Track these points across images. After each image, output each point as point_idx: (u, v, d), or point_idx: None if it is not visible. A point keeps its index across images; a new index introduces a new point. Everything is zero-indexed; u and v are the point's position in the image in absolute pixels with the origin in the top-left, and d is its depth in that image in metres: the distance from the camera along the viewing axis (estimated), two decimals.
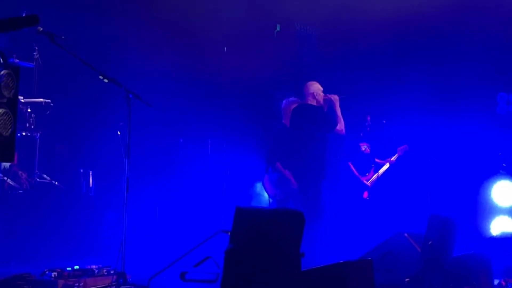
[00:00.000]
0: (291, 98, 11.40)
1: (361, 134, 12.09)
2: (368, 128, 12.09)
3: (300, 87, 12.68)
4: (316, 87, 10.73)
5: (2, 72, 4.64)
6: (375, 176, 11.97)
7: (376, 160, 12.13)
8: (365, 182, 11.91)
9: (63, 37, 7.44)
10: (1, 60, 4.93)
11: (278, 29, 13.93)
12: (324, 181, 10.41)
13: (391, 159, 12.09)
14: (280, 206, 10.80)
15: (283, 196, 10.97)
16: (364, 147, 12.03)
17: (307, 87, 10.78)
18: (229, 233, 5.32)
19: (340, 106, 10.63)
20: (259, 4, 12.97)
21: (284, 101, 11.38)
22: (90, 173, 11.46)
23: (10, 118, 4.72)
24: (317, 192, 10.32)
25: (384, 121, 12.10)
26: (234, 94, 13.14)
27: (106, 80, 7.50)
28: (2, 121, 4.65)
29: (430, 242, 7.30)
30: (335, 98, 10.62)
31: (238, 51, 13.00)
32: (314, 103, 10.65)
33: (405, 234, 8.25)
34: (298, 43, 13.95)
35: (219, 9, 12.52)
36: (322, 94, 10.71)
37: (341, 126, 10.51)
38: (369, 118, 12.11)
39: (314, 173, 10.36)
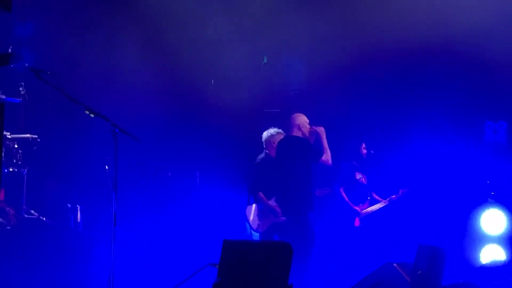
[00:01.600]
0: (272, 129, 11.44)
1: (354, 163, 12.09)
2: (364, 157, 12.10)
3: (287, 118, 12.73)
4: (302, 119, 10.78)
5: None
6: (369, 209, 11.95)
7: (374, 195, 12.11)
8: (356, 209, 11.88)
9: (49, 72, 7.46)
10: None
11: (265, 60, 13.97)
12: (310, 211, 10.41)
13: (390, 198, 12.03)
14: (263, 237, 10.79)
15: (265, 227, 10.97)
16: (359, 176, 12.03)
17: (293, 119, 10.82)
18: (217, 266, 5.31)
19: (327, 137, 10.67)
20: (246, 36, 13.02)
21: (265, 132, 11.42)
22: (78, 208, 11.42)
23: None
24: (304, 223, 10.31)
25: (372, 151, 12.13)
26: (222, 126, 13.16)
27: (92, 115, 7.52)
28: None
29: (419, 272, 7.30)
30: (321, 130, 10.67)
31: (225, 83, 13.04)
32: (299, 134, 10.68)
33: (394, 264, 8.25)
34: (285, 74, 13.99)
35: (206, 41, 12.56)
36: (308, 126, 10.76)
37: (327, 157, 10.55)
38: (364, 146, 12.13)
39: (301, 204, 10.36)
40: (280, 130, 11.48)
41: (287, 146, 10.65)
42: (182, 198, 12.73)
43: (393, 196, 12.07)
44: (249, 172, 11.50)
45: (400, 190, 12.09)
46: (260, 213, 11.04)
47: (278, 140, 11.16)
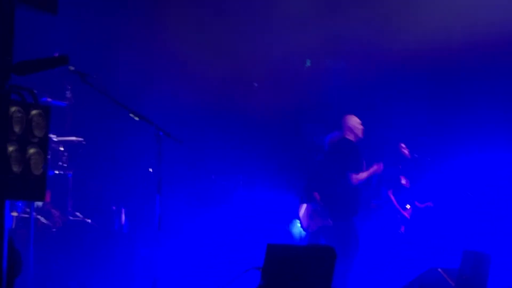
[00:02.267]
0: (336, 133, 11.38)
1: (400, 167, 12.00)
2: (407, 160, 11.97)
3: (332, 120, 12.69)
4: (354, 121, 10.74)
5: (33, 112, 4.67)
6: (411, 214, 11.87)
7: (416, 203, 12.01)
8: (405, 214, 11.81)
9: (94, 76, 7.53)
10: (33, 99, 4.97)
11: (308, 63, 13.96)
12: (355, 217, 10.37)
13: (429, 204, 11.95)
14: (312, 239, 10.75)
15: (315, 228, 10.94)
16: (404, 180, 11.94)
17: (345, 120, 10.79)
18: (261, 270, 5.31)
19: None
20: (289, 39, 13.00)
21: (328, 136, 11.38)
22: (123, 211, 11.49)
23: (41, 158, 4.74)
24: (349, 227, 10.27)
25: (416, 155, 12.02)
26: (265, 129, 13.16)
27: (137, 118, 7.57)
28: (33, 160, 4.68)
29: (464, 277, 7.23)
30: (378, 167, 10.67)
31: (269, 86, 13.04)
32: (351, 136, 10.63)
33: (439, 269, 8.19)
34: (328, 76, 13.96)
35: (249, 45, 12.56)
36: (360, 126, 10.71)
37: (357, 178, 10.50)
38: (404, 146, 11.97)
39: (347, 208, 10.34)
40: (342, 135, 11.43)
41: (339, 149, 10.62)
42: (225, 201, 12.74)
43: (408, 206, 11.97)
44: (307, 170, 11.50)
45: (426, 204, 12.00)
46: (311, 213, 11.03)
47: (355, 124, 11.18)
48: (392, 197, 11.81)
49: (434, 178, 12.06)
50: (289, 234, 11.46)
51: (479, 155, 12.77)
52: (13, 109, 4.59)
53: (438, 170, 12.16)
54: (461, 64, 12.95)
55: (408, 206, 11.96)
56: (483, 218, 12.23)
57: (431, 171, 12.06)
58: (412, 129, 12.80)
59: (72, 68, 7.49)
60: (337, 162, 10.47)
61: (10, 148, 4.57)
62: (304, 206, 11.13)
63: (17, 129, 4.61)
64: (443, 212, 12.10)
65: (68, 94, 11.17)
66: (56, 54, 5.13)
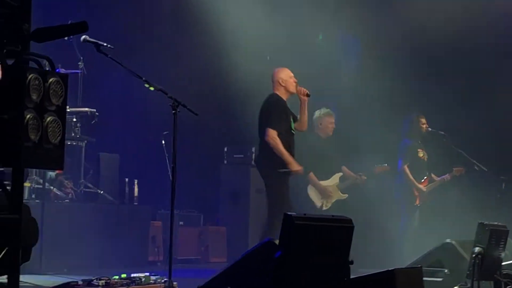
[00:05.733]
0: (323, 109, 11.30)
1: (419, 142, 11.89)
2: (424, 131, 11.84)
3: (339, 97, 12.63)
4: (283, 73, 9.58)
5: (51, 79, 4.64)
6: (428, 186, 11.82)
7: (432, 175, 11.94)
8: (420, 187, 11.73)
9: (109, 45, 7.48)
10: (49, 67, 4.94)
11: (320, 37, 13.88)
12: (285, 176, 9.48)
13: (445, 178, 11.90)
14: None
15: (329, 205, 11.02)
16: (422, 153, 11.83)
17: (274, 74, 9.64)
18: (277, 241, 5.29)
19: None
20: (302, 13, 12.92)
21: (316, 111, 11.25)
22: (135, 182, 11.49)
23: (59, 126, 4.71)
24: (273, 186, 9.55)
25: (430, 129, 11.93)
26: None
27: (152, 88, 7.53)
28: (51, 128, 4.65)
29: (479, 250, 7.20)
30: (303, 98, 9.51)
31: (282, 60, 12.95)
32: (282, 91, 9.51)
33: (453, 242, 8.17)
34: (340, 51, 13.89)
35: (262, 19, 12.47)
36: (291, 80, 9.53)
37: (300, 125, 9.57)
38: (423, 122, 11.84)
39: (269, 166, 9.53)
40: (330, 112, 11.31)
41: (263, 104, 9.53)
42: (237, 173, 12.71)
43: (447, 175, 11.93)
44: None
45: (454, 169, 11.96)
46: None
47: (325, 121, 11.10)
48: (408, 171, 11.71)
49: (448, 151, 11.96)
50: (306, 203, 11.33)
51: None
52: (30, 76, 4.56)
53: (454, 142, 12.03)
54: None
55: (447, 177, 11.88)
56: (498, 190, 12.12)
57: (446, 144, 11.96)
58: (428, 102, 12.67)
59: (87, 37, 7.44)
60: (260, 119, 9.45)
61: (28, 116, 4.54)
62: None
63: (34, 96, 4.58)
64: (459, 185, 12.05)
65: (81, 64, 11.16)
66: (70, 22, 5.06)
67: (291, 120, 9.43)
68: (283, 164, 9.12)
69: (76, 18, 5.34)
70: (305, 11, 12.94)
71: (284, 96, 9.47)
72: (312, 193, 11.06)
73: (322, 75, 12.79)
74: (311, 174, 11.00)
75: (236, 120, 12.92)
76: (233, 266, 5.86)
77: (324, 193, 11.03)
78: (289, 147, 9.25)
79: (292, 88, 9.44)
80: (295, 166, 9.15)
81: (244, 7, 12.29)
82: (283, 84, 9.43)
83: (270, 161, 9.20)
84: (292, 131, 9.42)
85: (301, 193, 10.97)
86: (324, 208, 11.01)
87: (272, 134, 9.13)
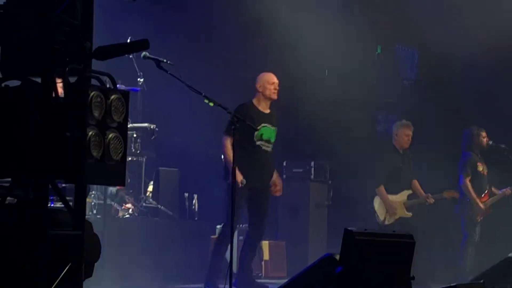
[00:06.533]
0: (402, 121, 11.24)
1: (479, 155, 11.66)
2: (485, 144, 11.61)
3: (400, 109, 12.56)
4: (264, 78, 9.39)
5: (112, 97, 4.69)
6: (488, 201, 11.55)
7: (493, 189, 11.69)
8: (480, 204, 11.44)
9: (168, 62, 7.55)
10: (111, 84, 5.00)
11: (379, 51, 13.83)
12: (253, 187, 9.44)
13: (506, 191, 11.63)
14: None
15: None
16: (481, 167, 11.55)
17: (256, 80, 9.45)
18: (338, 257, 5.27)
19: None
20: (358, 28, 12.84)
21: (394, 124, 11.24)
22: (195, 197, 11.54)
23: (120, 142, 4.77)
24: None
25: (491, 142, 11.73)
26: (334, 117, 13.01)
27: (211, 104, 7.57)
28: (113, 145, 4.70)
29: None
30: None
31: (339, 76, 12.92)
32: (260, 98, 9.34)
33: None
34: (399, 64, 13.83)
35: (318, 35, 12.42)
36: (271, 86, 9.30)
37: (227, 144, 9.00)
38: (484, 135, 11.60)
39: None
40: (408, 123, 11.22)
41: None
42: (296, 187, 12.67)
43: (508, 189, 11.66)
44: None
45: None
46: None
47: (401, 132, 11.01)
48: (469, 185, 11.43)
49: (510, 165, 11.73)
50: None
51: None
52: (92, 93, 4.62)
53: None
54: None
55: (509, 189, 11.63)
56: None
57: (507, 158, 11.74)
58: (490, 115, 12.48)
59: (147, 54, 7.52)
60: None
61: (90, 133, 4.60)
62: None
63: (96, 113, 4.64)
64: None
65: (141, 80, 11.26)
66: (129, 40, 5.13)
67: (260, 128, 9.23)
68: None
69: (137, 34, 5.40)
70: (363, 24, 12.88)
71: (259, 102, 9.35)
72: (377, 205, 11.00)
73: (381, 87, 12.74)
74: (381, 188, 10.94)
75: (296, 134, 12.90)
76: (293, 281, 5.84)
77: (390, 209, 10.96)
78: (248, 157, 9.06)
79: (268, 93, 9.24)
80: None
81: (306, 22, 12.27)
82: (260, 90, 9.30)
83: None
84: (259, 142, 9.32)
85: (367, 203, 11.00)
86: (386, 223, 10.94)
87: (224, 141, 9.00)
